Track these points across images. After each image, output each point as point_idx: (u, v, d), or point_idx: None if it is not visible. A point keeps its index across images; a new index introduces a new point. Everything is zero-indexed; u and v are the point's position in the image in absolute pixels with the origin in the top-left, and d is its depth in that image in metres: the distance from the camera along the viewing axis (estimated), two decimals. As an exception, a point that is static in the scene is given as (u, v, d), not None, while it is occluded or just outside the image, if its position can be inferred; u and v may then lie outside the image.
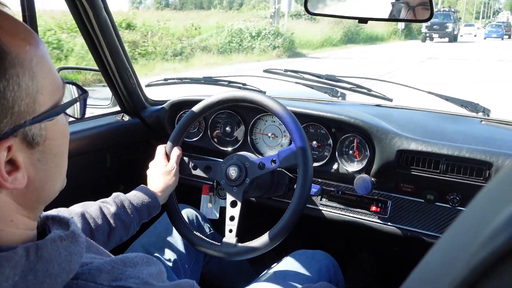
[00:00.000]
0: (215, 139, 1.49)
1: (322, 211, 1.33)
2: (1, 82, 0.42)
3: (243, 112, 1.43)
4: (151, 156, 1.18)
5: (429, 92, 1.44)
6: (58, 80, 0.49)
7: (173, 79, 1.66)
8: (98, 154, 1.48)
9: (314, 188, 1.29)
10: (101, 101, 1.55)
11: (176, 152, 1.16)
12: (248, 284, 1.06)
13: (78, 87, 0.58)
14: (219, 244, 1.10)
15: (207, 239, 1.12)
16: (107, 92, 1.52)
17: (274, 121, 1.40)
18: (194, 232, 1.13)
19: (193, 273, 1.20)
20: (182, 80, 1.65)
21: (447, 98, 1.40)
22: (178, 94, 1.60)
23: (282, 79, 1.60)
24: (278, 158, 1.08)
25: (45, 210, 0.80)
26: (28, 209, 0.48)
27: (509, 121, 1.35)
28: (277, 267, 1.12)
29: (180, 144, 1.19)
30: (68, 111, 0.52)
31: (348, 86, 1.51)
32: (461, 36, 30.22)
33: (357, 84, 1.52)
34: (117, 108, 1.57)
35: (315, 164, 1.30)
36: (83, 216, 0.93)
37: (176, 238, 1.19)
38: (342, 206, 1.31)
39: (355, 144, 1.26)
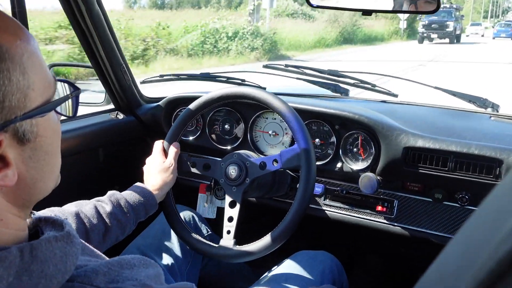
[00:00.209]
0: (214, 137, 1.45)
1: (326, 211, 1.29)
2: None
3: (243, 109, 1.40)
4: (147, 155, 1.14)
5: (436, 87, 1.41)
6: (49, 77, 0.49)
7: (169, 75, 1.63)
8: (91, 153, 1.45)
9: (318, 188, 1.26)
10: (96, 95, 1.51)
11: (174, 148, 1.12)
12: None
13: (70, 84, 0.57)
14: (216, 245, 1.06)
15: (204, 240, 1.08)
16: (101, 85, 1.48)
17: (275, 118, 1.36)
18: (191, 233, 1.10)
19: (191, 276, 1.17)
20: (179, 77, 1.63)
21: (455, 94, 1.38)
22: (174, 91, 1.56)
23: (283, 74, 1.57)
24: (281, 159, 1.04)
25: (39, 209, 0.77)
26: (18, 207, 0.48)
27: None
28: (278, 269, 1.09)
29: (177, 141, 1.15)
30: (60, 109, 0.52)
31: (352, 81, 1.48)
32: (467, 36, 28.94)
33: (361, 79, 1.48)
34: (111, 106, 1.53)
35: (318, 163, 1.26)
36: (77, 215, 0.90)
37: (173, 240, 1.16)
38: (346, 206, 1.27)
39: (359, 141, 1.23)
